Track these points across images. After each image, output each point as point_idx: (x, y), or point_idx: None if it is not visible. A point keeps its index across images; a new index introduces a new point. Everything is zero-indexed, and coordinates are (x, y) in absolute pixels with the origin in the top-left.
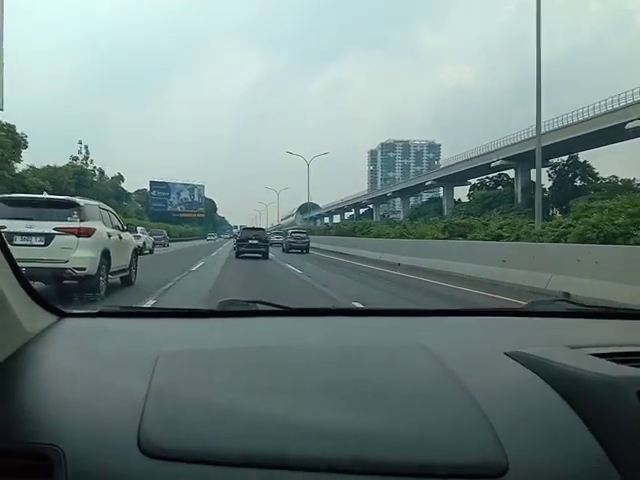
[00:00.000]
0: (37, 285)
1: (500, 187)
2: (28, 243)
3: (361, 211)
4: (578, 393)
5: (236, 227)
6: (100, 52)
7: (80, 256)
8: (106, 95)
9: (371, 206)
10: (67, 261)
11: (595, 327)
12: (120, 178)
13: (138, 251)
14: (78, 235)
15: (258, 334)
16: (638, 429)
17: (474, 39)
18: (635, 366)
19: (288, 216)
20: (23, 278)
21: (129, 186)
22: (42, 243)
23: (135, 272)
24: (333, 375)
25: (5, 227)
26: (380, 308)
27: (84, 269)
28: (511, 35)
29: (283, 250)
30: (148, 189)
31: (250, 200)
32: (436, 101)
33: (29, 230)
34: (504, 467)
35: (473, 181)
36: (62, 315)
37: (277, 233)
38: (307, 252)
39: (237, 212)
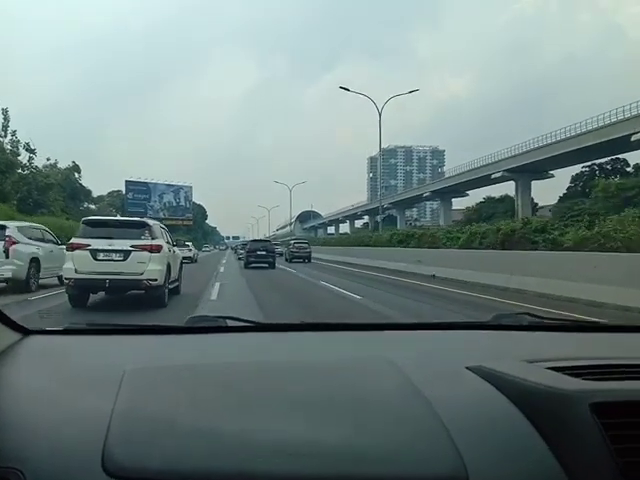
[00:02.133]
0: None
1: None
2: (109, 258)
3: (378, 218)
4: (535, 407)
5: (229, 238)
6: (96, 59)
7: (152, 269)
8: (101, 103)
9: (393, 212)
10: (142, 273)
11: (554, 340)
12: (75, 169)
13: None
14: (150, 251)
15: (226, 350)
16: (591, 442)
17: (471, 47)
18: (588, 379)
19: (285, 225)
20: None
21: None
22: (121, 258)
23: (180, 283)
24: (300, 391)
25: (90, 245)
26: (349, 322)
27: (156, 280)
28: (509, 43)
29: (286, 259)
30: (124, 190)
31: (243, 210)
32: (434, 108)
33: (110, 247)
34: (464, 479)
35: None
36: (26, 332)
37: (275, 244)
38: (309, 261)
39: (229, 222)
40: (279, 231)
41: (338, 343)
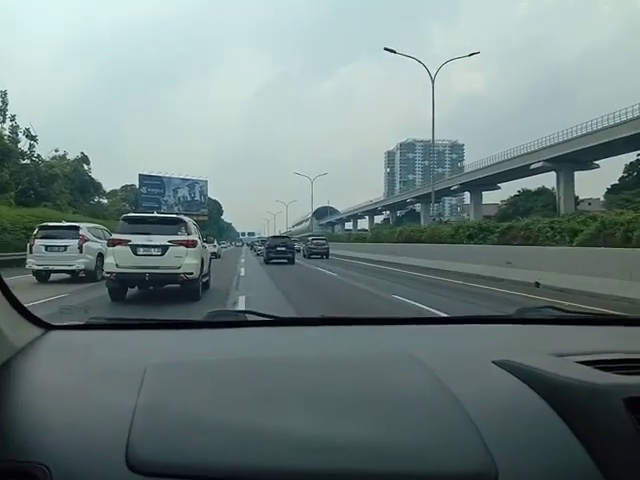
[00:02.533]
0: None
1: None
2: (148, 253)
3: (398, 213)
4: (566, 402)
5: (244, 234)
6: (111, 56)
7: (189, 263)
8: (116, 99)
9: (417, 208)
10: (179, 267)
11: (581, 334)
12: (84, 160)
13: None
14: (187, 246)
15: (247, 345)
16: (625, 437)
17: (488, 41)
18: (620, 373)
19: (302, 221)
20: (8, 291)
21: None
22: (159, 253)
23: (210, 277)
24: (323, 386)
25: (130, 241)
26: (370, 317)
27: (192, 273)
28: (527, 36)
29: (304, 255)
30: (137, 185)
31: (258, 207)
32: (449, 104)
33: (149, 243)
34: (493, 477)
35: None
36: (49, 328)
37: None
38: (327, 257)
39: (244, 219)
40: (295, 227)
41: (360, 338)
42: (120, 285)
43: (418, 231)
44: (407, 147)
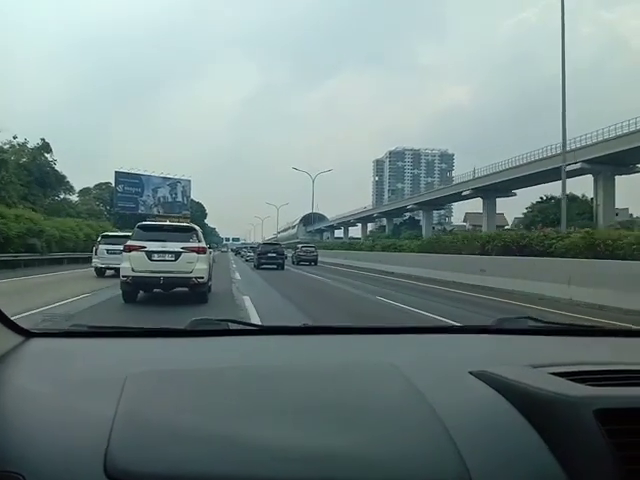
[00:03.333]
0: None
1: None
2: (162, 259)
3: (395, 221)
4: (539, 413)
5: (228, 239)
6: (96, 62)
7: (200, 268)
8: (101, 105)
9: (418, 215)
10: (191, 272)
11: (557, 345)
12: (44, 149)
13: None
14: (198, 252)
15: (229, 354)
16: (595, 449)
17: (474, 56)
18: (593, 385)
19: (287, 228)
20: None
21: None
22: (173, 259)
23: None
24: (303, 396)
25: (145, 247)
26: (351, 326)
27: (202, 278)
28: (511, 53)
29: (292, 262)
30: (113, 183)
31: (244, 212)
32: (435, 117)
33: (163, 249)
34: None
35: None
36: (29, 335)
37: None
38: (316, 264)
39: (228, 224)
40: (280, 234)
41: (341, 347)
42: (134, 288)
43: (475, 237)
44: (396, 155)
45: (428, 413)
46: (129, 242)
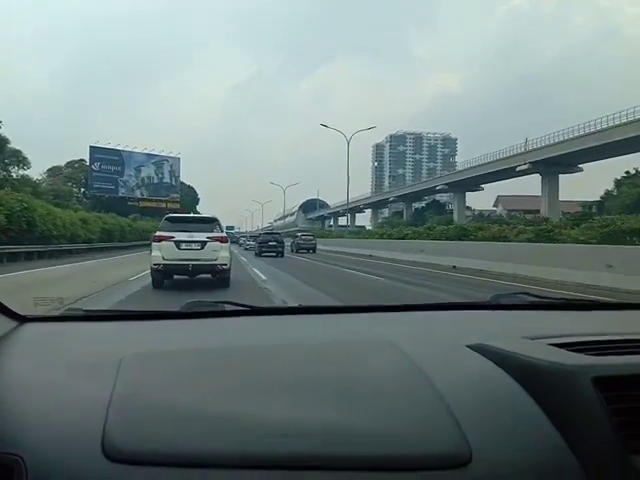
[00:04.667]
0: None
1: None
2: (190, 248)
3: (414, 206)
4: (537, 383)
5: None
6: (84, 50)
7: (223, 255)
8: (89, 94)
9: (446, 197)
10: (216, 259)
11: (554, 318)
12: None
13: None
14: (221, 242)
15: (224, 334)
16: (593, 415)
17: (466, 44)
18: (591, 354)
19: (286, 215)
20: None
21: None
22: (199, 248)
23: None
24: (300, 373)
25: (174, 237)
26: (348, 305)
27: (226, 264)
28: (502, 43)
29: (292, 250)
30: (87, 160)
31: (237, 201)
32: (429, 105)
33: (190, 239)
34: (468, 457)
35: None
36: (23, 320)
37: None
38: (314, 252)
39: (221, 213)
40: (277, 222)
41: (337, 326)
42: (164, 275)
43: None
44: (397, 139)
45: (426, 387)
46: (158, 233)
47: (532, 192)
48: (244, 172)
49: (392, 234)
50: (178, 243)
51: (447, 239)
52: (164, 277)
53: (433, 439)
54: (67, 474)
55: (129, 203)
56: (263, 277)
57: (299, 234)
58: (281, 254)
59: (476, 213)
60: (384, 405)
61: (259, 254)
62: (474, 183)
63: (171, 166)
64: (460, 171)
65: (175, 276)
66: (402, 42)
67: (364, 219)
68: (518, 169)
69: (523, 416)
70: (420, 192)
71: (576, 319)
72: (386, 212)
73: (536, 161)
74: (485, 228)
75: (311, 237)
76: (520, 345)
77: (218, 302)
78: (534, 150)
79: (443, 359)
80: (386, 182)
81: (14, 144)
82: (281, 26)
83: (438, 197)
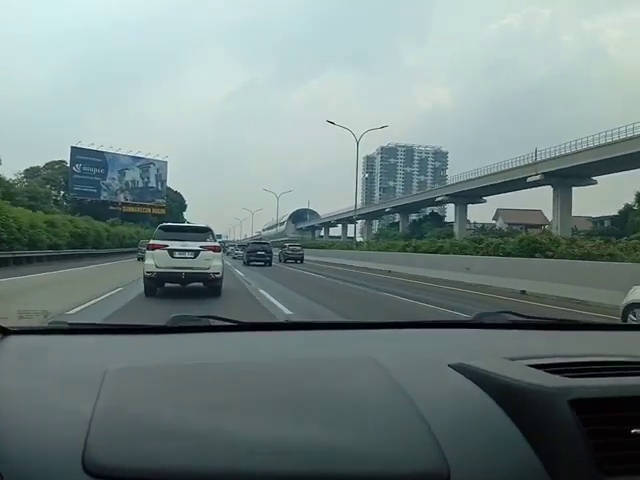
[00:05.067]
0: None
1: None
2: (183, 256)
3: (411, 217)
4: (516, 403)
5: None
6: (75, 56)
7: (216, 264)
8: (81, 100)
9: (437, 209)
10: (209, 268)
11: (535, 338)
12: None
13: None
14: (214, 251)
15: (209, 350)
16: (570, 437)
17: (457, 60)
18: (569, 376)
19: (274, 225)
20: None
21: None
22: (192, 256)
23: None
24: (284, 390)
25: (168, 245)
26: (332, 321)
27: (218, 273)
28: (492, 58)
29: (279, 260)
30: (68, 162)
31: (225, 210)
32: (417, 118)
33: (184, 247)
34: (446, 476)
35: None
36: (6, 332)
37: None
38: (302, 262)
39: (208, 221)
40: (265, 232)
41: (322, 342)
42: (156, 283)
43: None
44: (388, 152)
45: (407, 406)
46: (152, 241)
47: (532, 205)
48: (233, 180)
49: (418, 246)
50: (172, 251)
51: (508, 255)
52: (157, 285)
53: (413, 457)
54: None
55: (111, 208)
56: (252, 284)
57: (287, 244)
58: (269, 263)
59: (478, 226)
60: (365, 423)
61: (247, 263)
62: (478, 195)
63: (158, 170)
64: (462, 182)
65: (167, 284)
66: (394, 56)
67: (352, 231)
68: (529, 180)
69: (501, 436)
70: (419, 203)
71: (557, 339)
72: (377, 224)
73: (549, 172)
74: (571, 243)
75: (299, 248)
76: (500, 365)
77: (203, 317)
78: (545, 161)
79: (425, 378)
80: (376, 194)
81: None
82: (274, 36)
83: (436, 209)
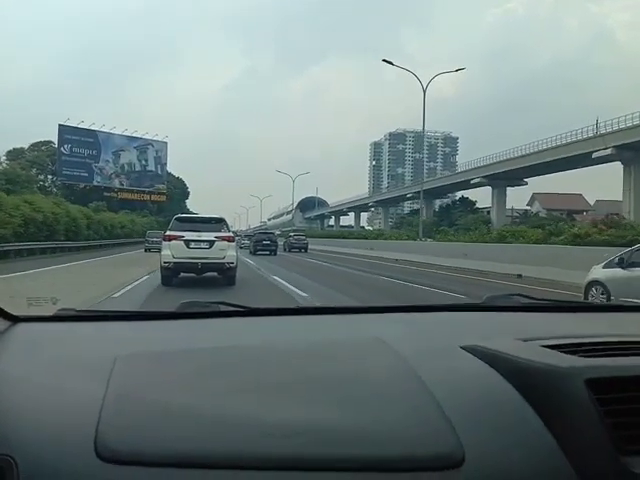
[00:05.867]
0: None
1: None
2: (199, 247)
3: (437, 203)
4: (530, 384)
5: None
6: (72, 46)
7: (230, 254)
8: (78, 90)
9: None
10: (224, 258)
11: (547, 320)
12: None
13: None
14: (228, 241)
15: (219, 335)
16: (586, 417)
17: (460, 47)
18: (583, 356)
19: (281, 214)
20: None
21: None
22: (207, 247)
23: None
24: (295, 373)
25: (184, 236)
26: (341, 306)
27: (232, 263)
28: (494, 46)
29: (284, 249)
30: (56, 142)
31: (229, 200)
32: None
33: (199, 238)
34: (461, 458)
35: None
36: (15, 320)
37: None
38: (306, 251)
39: (211, 211)
40: (271, 221)
41: (331, 326)
42: (173, 273)
43: None
44: (397, 138)
45: (419, 387)
46: (168, 232)
47: (567, 189)
48: (237, 170)
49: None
50: (187, 242)
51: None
52: (173, 274)
53: (426, 439)
54: (59, 474)
55: (105, 194)
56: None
57: (292, 234)
58: (274, 252)
59: (519, 212)
60: (377, 405)
61: (254, 252)
62: (519, 176)
63: (157, 152)
64: (501, 161)
65: (182, 274)
66: (396, 43)
67: (350, 220)
68: (595, 155)
69: (516, 417)
70: (449, 186)
71: (569, 321)
72: (393, 212)
73: (622, 145)
74: None
75: (303, 237)
76: (513, 346)
77: (212, 302)
78: (614, 132)
79: (436, 359)
80: (384, 182)
81: None
82: (274, 23)
83: (466, 193)
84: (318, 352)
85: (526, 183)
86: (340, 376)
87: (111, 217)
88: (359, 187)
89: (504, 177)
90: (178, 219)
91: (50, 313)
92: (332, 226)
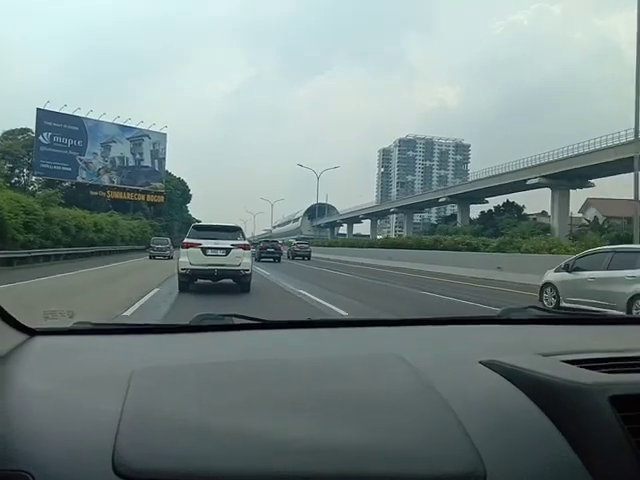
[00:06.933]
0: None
1: None
2: (215, 254)
3: (472, 209)
4: (552, 400)
5: None
6: (76, 51)
7: (246, 262)
8: (82, 97)
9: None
10: (239, 265)
11: (565, 333)
12: None
13: None
14: (244, 249)
15: (234, 348)
16: (610, 435)
17: (464, 56)
18: (605, 372)
19: (288, 221)
20: None
21: None
22: (224, 254)
23: None
24: (311, 388)
25: (201, 244)
26: (357, 318)
27: (248, 270)
28: (498, 57)
29: (288, 257)
30: (34, 130)
31: (231, 207)
32: (422, 115)
33: (216, 246)
34: (482, 476)
35: None
36: (32, 333)
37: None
38: (309, 259)
39: (214, 218)
40: (277, 229)
41: (347, 340)
42: (190, 279)
43: None
44: (407, 144)
45: (438, 403)
46: (186, 240)
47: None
48: (240, 177)
49: None
50: (205, 249)
51: None
52: (190, 280)
53: (446, 458)
54: None
55: (92, 193)
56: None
57: (296, 243)
58: (278, 259)
59: (585, 220)
60: (395, 422)
61: (258, 259)
62: (587, 175)
63: (154, 145)
64: (565, 158)
65: (199, 280)
66: (401, 54)
67: (363, 228)
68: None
69: (538, 434)
70: (500, 187)
71: (587, 334)
72: (408, 219)
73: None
74: None
75: (306, 245)
76: (534, 362)
77: (226, 315)
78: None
79: (455, 375)
80: (393, 189)
81: None
82: (279, 32)
83: (512, 198)
84: (334, 367)
85: (593, 185)
86: (356, 392)
87: (76, 215)
88: (366, 195)
89: (567, 177)
90: (195, 227)
91: (67, 326)
92: (344, 234)
